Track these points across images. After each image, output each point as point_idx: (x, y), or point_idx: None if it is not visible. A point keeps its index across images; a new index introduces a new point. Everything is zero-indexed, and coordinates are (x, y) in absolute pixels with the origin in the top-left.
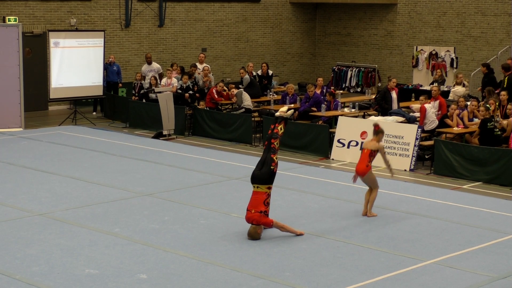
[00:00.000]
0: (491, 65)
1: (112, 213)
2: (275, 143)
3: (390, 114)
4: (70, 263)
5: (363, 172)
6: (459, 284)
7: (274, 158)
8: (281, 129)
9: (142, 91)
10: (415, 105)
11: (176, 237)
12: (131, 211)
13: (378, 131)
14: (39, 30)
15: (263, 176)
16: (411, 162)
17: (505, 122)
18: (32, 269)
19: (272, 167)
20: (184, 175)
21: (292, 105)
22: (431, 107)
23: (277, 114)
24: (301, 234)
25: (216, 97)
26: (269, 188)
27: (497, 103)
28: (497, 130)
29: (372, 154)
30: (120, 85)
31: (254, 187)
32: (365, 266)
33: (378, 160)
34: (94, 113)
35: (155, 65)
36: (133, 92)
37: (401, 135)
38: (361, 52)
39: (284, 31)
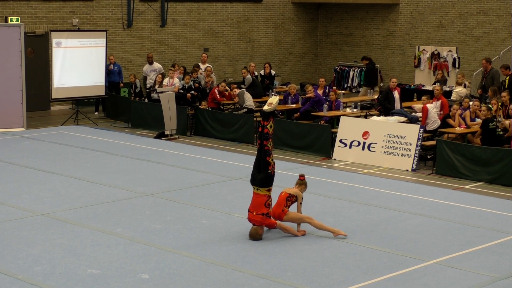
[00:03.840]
0: (371, 59)
1: (114, 213)
2: (268, 144)
3: (392, 114)
4: (72, 263)
5: (279, 217)
6: (461, 284)
7: (270, 160)
8: (270, 126)
9: (137, 90)
10: (417, 105)
11: (178, 237)
12: (133, 211)
13: (302, 182)
14: (41, 30)
15: (262, 180)
16: (413, 162)
17: (507, 122)
18: (34, 269)
19: (269, 171)
20: (186, 175)
21: (294, 105)
22: (433, 107)
23: (265, 108)
24: (303, 235)
25: (218, 97)
26: (269, 190)
27: (499, 103)
28: (499, 130)
29: (289, 199)
30: (122, 84)
31: (254, 188)
32: (367, 266)
33: (379, 161)
34: (96, 113)
35: (156, 65)
36: (131, 92)
37: (403, 135)
38: (363, 52)
39: (286, 31)
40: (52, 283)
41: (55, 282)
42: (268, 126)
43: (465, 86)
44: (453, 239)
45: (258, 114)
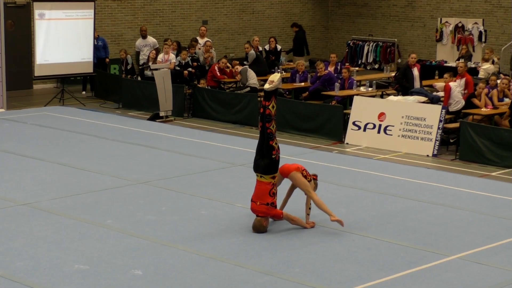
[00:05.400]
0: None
1: (104, 203)
2: (271, 127)
3: (411, 94)
4: (58, 258)
5: (287, 169)
6: (486, 282)
7: (273, 144)
8: (272, 107)
9: (128, 67)
10: (439, 84)
11: (175, 229)
12: (125, 201)
13: (315, 180)
14: (22, 0)
15: (266, 166)
16: (434, 146)
17: None
18: (16, 264)
19: (273, 156)
20: (183, 161)
21: (302, 83)
22: (457, 86)
23: (266, 86)
24: (312, 227)
25: (219, 74)
26: (274, 178)
27: None
28: None
29: (305, 171)
30: (107, 60)
31: (257, 176)
32: (383, 262)
33: (396, 145)
34: (84, 92)
35: (150, 39)
36: (122, 69)
37: (423, 116)
38: (379, 25)
39: (294, 1)
40: (35, 279)
41: (39, 279)
42: (270, 107)
43: (493, 63)
44: (478, 232)
45: (262, 93)
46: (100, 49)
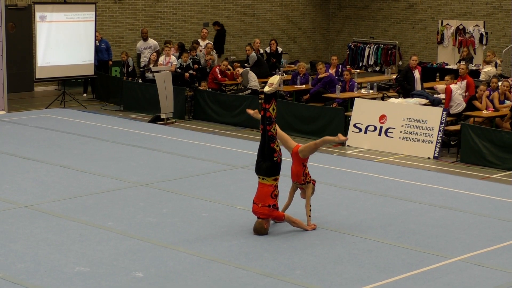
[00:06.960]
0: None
1: (105, 205)
2: (272, 129)
3: (412, 96)
4: (58, 260)
5: (296, 147)
6: (487, 284)
7: (275, 147)
8: (273, 109)
9: (129, 69)
10: (440, 86)
11: (175, 231)
12: (126, 203)
13: (313, 185)
14: (23, 3)
15: (267, 168)
16: (435, 149)
17: None
18: (17, 266)
19: (275, 158)
20: (184, 163)
21: (303, 86)
22: (458, 88)
23: (265, 89)
24: (313, 229)
25: (220, 77)
26: (276, 180)
27: None
28: None
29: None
30: (110, 63)
31: (259, 178)
32: (384, 264)
33: (397, 148)
34: (85, 94)
35: (151, 41)
36: (123, 71)
37: (424, 119)
38: (380, 27)
39: (295, 3)
40: (36, 281)
41: (40, 281)
42: (271, 109)
43: (496, 65)
44: (479, 234)
45: (263, 96)
46: (103, 51)
